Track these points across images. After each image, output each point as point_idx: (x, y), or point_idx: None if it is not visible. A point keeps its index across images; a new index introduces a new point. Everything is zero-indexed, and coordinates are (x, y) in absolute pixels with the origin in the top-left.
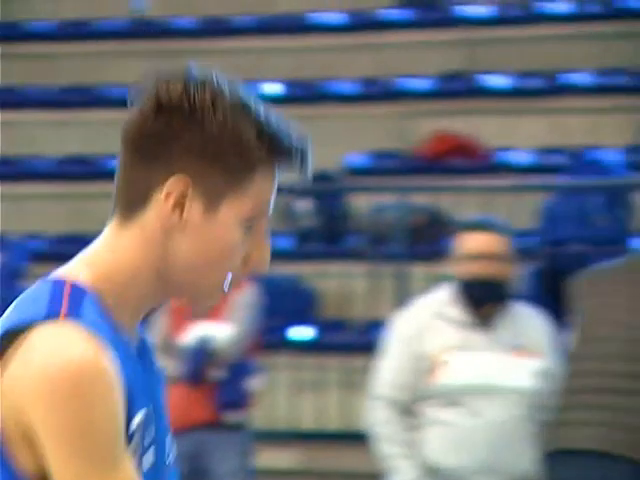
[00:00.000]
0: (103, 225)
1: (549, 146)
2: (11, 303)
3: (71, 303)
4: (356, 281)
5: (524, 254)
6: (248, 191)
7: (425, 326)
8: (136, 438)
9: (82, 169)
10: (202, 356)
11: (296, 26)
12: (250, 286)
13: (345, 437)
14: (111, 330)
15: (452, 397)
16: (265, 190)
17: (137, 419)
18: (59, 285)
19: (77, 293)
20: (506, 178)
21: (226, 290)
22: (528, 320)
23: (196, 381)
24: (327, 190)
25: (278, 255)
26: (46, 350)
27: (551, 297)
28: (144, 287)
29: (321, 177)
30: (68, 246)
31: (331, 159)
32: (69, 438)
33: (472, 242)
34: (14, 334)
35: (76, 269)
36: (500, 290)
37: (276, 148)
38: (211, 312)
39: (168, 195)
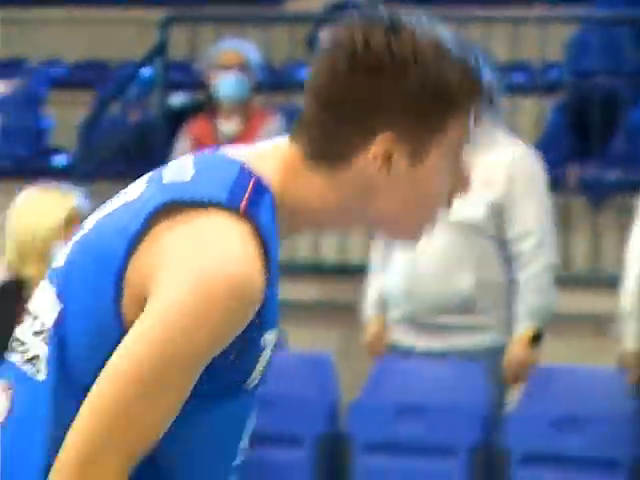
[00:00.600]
0: (122, 52)
1: None
2: (32, 128)
3: (253, 198)
4: None
5: (551, 86)
6: (450, 133)
7: None
8: (265, 354)
9: None
10: None
11: None
12: (276, 116)
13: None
14: (276, 239)
15: None
16: (465, 127)
17: (269, 336)
18: (246, 175)
19: (260, 190)
20: (535, 9)
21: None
22: (490, 152)
23: None
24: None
25: None
26: (209, 239)
27: (576, 129)
28: (317, 221)
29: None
30: (88, 72)
31: None
32: (171, 332)
33: None
34: (182, 204)
35: (259, 166)
36: None
37: (476, 90)
38: (241, 140)
39: (375, 156)
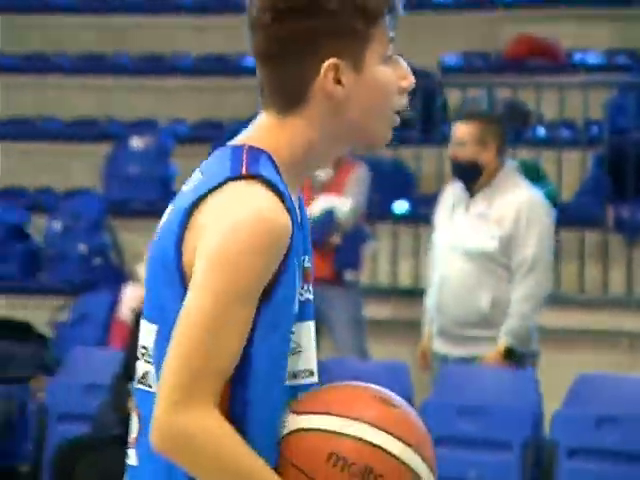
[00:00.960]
0: (234, 113)
1: (616, 48)
2: (163, 177)
3: (250, 160)
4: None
5: (592, 141)
6: (376, 38)
7: (447, 198)
8: (298, 270)
9: (218, 66)
10: (327, 225)
11: None
12: (361, 166)
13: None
14: (285, 187)
15: (436, 252)
16: (386, 31)
17: (298, 262)
18: (238, 148)
19: (254, 152)
20: (578, 76)
21: (396, 124)
22: (505, 195)
23: (321, 246)
24: (425, 86)
25: None
26: (233, 201)
27: (613, 177)
28: (315, 160)
29: (420, 74)
30: (206, 130)
31: (429, 59)
32: (221, 267)
33: (454, 130)
34: (204, 197)
35: (249, 141)
36: (468, 170)
37: (385, 4)
38: (332, 187)
39: (327, 78)
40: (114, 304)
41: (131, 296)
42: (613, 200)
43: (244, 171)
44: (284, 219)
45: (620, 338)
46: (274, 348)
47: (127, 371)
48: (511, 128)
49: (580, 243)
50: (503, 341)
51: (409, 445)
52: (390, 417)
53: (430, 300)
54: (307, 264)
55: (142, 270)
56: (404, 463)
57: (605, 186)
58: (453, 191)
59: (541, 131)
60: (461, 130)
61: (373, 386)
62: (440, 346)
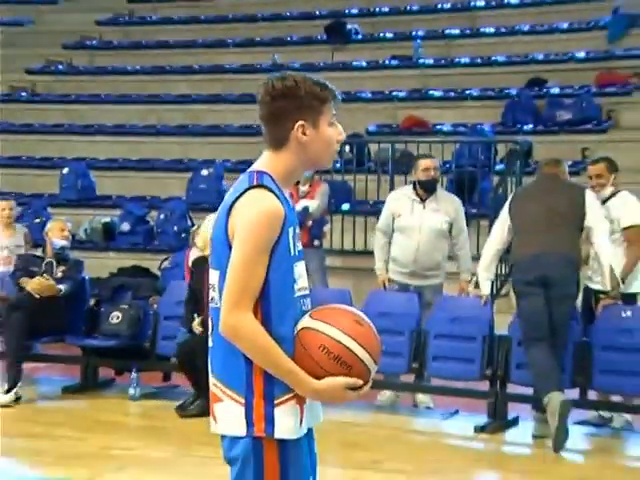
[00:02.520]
0: (256, 155)
1: (458, 122)
2: (219, 190)
3: (258, 177)
4: (373, 184)
5: (447, 172)
6: (325, 112)
7: (399, 199)
8: (291, 234)
9: (250, 130)
10: (304, 215)
11: None
12: (324, 183)
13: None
14: (279, 190)
15: (401, 230)
16: (331, 109)
17: (291, 230)
18: (252, 173)
19: (261, 174)
20: (438, 136)
21: (335, 157)
22: (445, 200)
23: (300, 227)
24: (358, 142)
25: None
26: (251, 199)
27: (457, 191)
28: (294, 175)
29: (355, 135)
30: (241, 165)
31: (360, 127)
32: (250, 237)
33: (423, 162)
34: (235, 201)
35: (257, 169)
36: (434, 185)
37: (330, 92)
38: (307, 195)
39: (298, 131)
40: (188, 258)
41: (192, 254)
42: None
43: (255, 183)
44: (279, 207)
45: None
46: (282, 275)
47: (190, 295)
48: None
49: None
50: (465, 275)
51: (366, 350)
52: (358, 331)
53: (400, 254)
54: (297, 231)
55: (197, 240)
56: (361, 360)
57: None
58: (406, 195)
59: None
60: (429, 163)
61: (354, 310)
62: (406, 280)
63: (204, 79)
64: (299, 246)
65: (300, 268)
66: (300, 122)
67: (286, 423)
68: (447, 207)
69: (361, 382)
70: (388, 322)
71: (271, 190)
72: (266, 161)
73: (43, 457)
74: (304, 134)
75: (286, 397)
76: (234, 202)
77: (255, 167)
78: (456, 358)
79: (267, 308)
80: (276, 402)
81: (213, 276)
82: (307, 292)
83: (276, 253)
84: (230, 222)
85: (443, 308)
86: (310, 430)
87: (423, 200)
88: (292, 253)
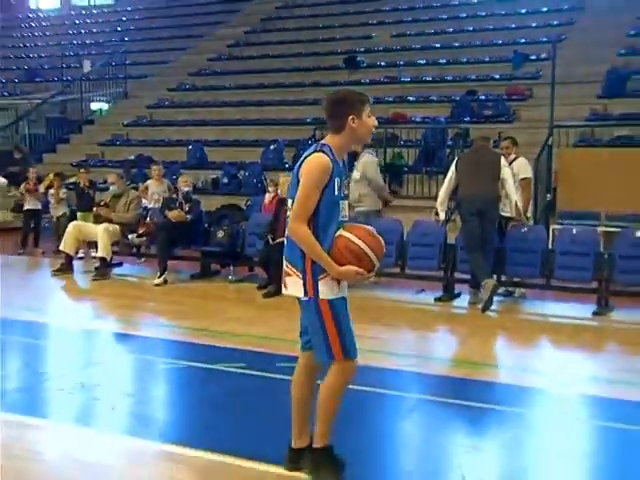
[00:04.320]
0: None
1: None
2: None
3: (321, 148)
4: None
5: (415, 144)
6: (365, 109)
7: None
8: (337, 182)
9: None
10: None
11: None
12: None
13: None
14: (333, 156)
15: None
16: (368, 106)
17: (337, 179)
18: (317, 144)
19: (323, 145)
20: (412, 124)
21: (372, 136)
22: (363, 157)
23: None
24: None
25: None
26: (313, 158)
27: (425, 161)
28: (345, 148)
29: None
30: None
31: None
32: (309, 178)
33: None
34: (305, 159)
35: (322, 142)
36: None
37: (366, 98)
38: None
39: (349, 122)
40: (263, 199)
41: (266, 197)
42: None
43: (318, 149)
44: (329, 163)
45: None
46: (328, 205)
47: (269, 224)
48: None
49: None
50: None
51: (372, 251)
52: (369, 239)
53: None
54: (343, 181)
55: (271, 187)
56: (369, 257)
57: (423, 163)
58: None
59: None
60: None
61: (369, 227)
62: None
63: (272, 91)
64: (344, 191)
65: (344, 203)
66: (351, 116)
67: (324, 290)
68: (359, 165)
69: (365, 272)
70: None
71: (326, 154)
72: (329, 139)
73: (180, 314)
74: (354, 123)
75: (324, 275)
76: (304, 159)
77: (321, 142)
78: (424, 257)
79: (316, 222)
80: (319, 277)
81: (290, 202)
82: (346, 218)
83: (325, 191)
84: (300, 170)
85: (417, 227)
86: (345, 298)
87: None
88: (336, 193)
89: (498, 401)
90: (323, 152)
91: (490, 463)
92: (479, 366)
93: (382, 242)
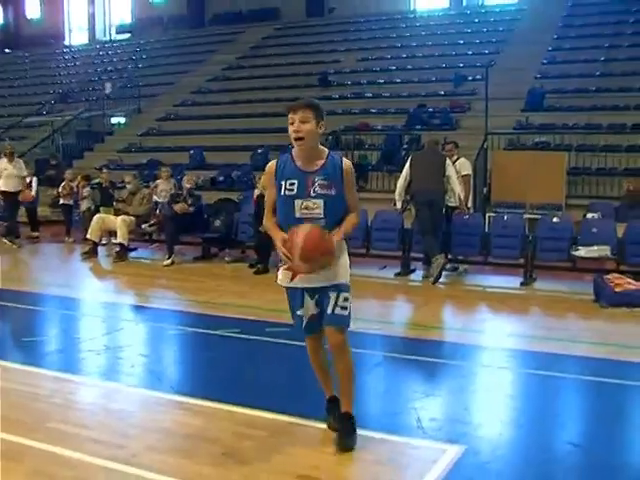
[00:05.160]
0: None
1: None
2: None
3: (284, 152)
4: None
5: (375, 147)
6: (288, 118)
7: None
8: (284, 182)
9: None
10: None
11: None
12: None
13: None
14: (289, 160)
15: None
16: (289, 115)
17: (284, 181)
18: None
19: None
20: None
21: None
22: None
23: None
24: None
25: None
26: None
27: (385, 161)
28: (297, 151)
29: None
30: None
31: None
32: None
33: None
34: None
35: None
36: None
37: (287, 108)
38: None
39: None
40: (253, 194)
41: (255, 192)
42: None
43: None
44: (272, 166)
45: None
46: (279, 202)
47: (254, 215)
48: None
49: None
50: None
51: (302, 248)
52: (310, 235)
53: None
54: (303, 181)
55: (258, 184)
56: (296, 248)
57: (383, 163)
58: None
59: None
60: None
61: (311, 225)
62: None
63: (259, 105)
64: (307, 190)
65: (296, 202)
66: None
67: (281, 277)
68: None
69: (286, 254)
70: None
71: (279, 158)
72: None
73: (185, 289)
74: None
75: (282, 264)
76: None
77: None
78: (386, 240)
79: (277, 215)
80: (279, 265)
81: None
82: (308, 215)
83: (277, 191)
84: None
85: (379, 216)
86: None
87: None
88: (282, 193)
89: (446, 356)
90: (280, 156)
91: (440, 406)
92: (431, 328)
93: (320, 246)
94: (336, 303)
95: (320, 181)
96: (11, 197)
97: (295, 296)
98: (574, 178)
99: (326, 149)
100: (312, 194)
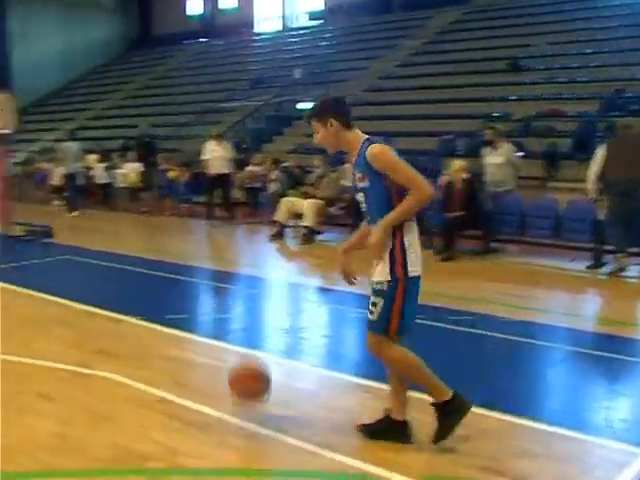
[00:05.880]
0: None
1: None
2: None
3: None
4: None
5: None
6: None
7: None
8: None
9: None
10: None
11: None
12: None
13: None
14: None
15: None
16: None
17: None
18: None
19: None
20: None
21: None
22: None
23: None
24: None
25: None
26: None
27: None
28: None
29: None
30: None
31: None
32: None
33: None
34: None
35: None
36: None
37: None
38: None
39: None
40: None
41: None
42: None
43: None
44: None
45: None
46: None
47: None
48: None
49: None
50: None
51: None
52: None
53: None
54: (355, 174)
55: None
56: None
57: (575, 150)
58: None
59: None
60: None
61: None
62: None
63: (446, 90)
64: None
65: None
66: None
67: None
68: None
69: None
70: None
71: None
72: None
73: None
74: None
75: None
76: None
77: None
78: (577, 231)
79: None
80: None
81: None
82: (363, 208)
83: None
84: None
85: (572, 206)
86: None
87: None
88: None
89: (638, 355)
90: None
91: (631, 407)
92: (622, 325)
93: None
94: (368, 305)
95: (357, 174)
96: (217, 178)
97: None
98: None
99: (363, 136)
100: (358, 188)
